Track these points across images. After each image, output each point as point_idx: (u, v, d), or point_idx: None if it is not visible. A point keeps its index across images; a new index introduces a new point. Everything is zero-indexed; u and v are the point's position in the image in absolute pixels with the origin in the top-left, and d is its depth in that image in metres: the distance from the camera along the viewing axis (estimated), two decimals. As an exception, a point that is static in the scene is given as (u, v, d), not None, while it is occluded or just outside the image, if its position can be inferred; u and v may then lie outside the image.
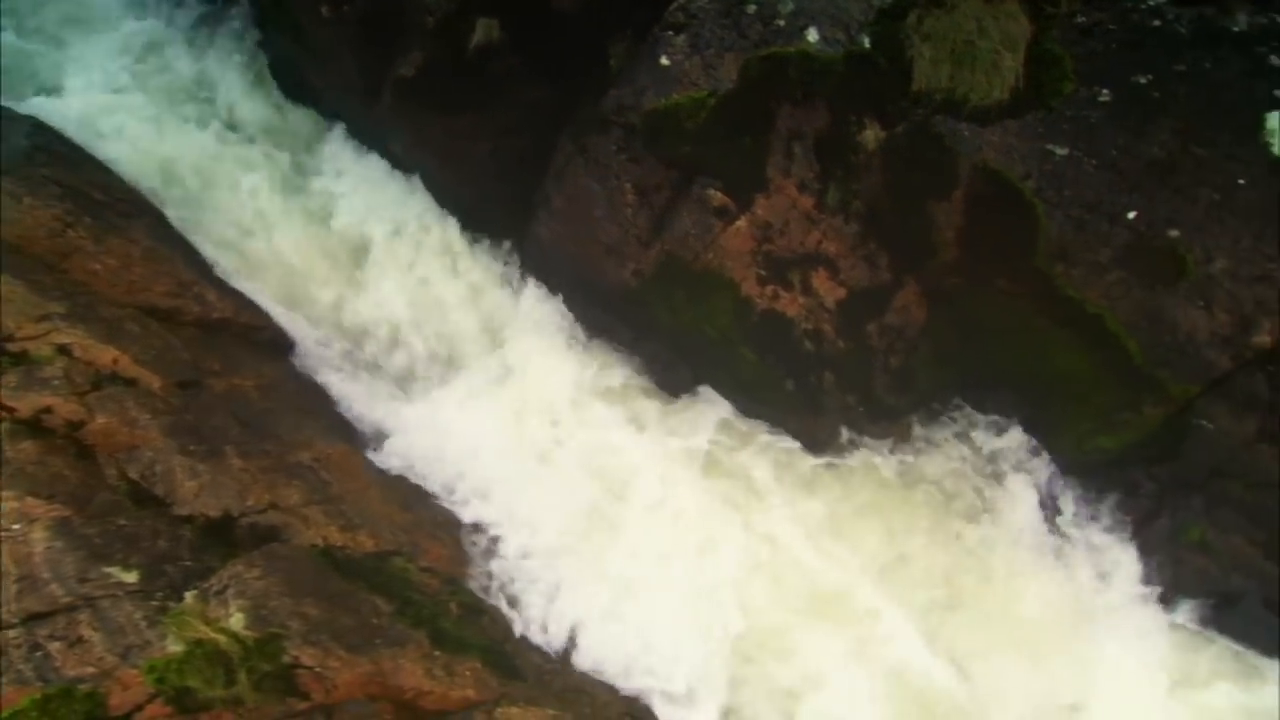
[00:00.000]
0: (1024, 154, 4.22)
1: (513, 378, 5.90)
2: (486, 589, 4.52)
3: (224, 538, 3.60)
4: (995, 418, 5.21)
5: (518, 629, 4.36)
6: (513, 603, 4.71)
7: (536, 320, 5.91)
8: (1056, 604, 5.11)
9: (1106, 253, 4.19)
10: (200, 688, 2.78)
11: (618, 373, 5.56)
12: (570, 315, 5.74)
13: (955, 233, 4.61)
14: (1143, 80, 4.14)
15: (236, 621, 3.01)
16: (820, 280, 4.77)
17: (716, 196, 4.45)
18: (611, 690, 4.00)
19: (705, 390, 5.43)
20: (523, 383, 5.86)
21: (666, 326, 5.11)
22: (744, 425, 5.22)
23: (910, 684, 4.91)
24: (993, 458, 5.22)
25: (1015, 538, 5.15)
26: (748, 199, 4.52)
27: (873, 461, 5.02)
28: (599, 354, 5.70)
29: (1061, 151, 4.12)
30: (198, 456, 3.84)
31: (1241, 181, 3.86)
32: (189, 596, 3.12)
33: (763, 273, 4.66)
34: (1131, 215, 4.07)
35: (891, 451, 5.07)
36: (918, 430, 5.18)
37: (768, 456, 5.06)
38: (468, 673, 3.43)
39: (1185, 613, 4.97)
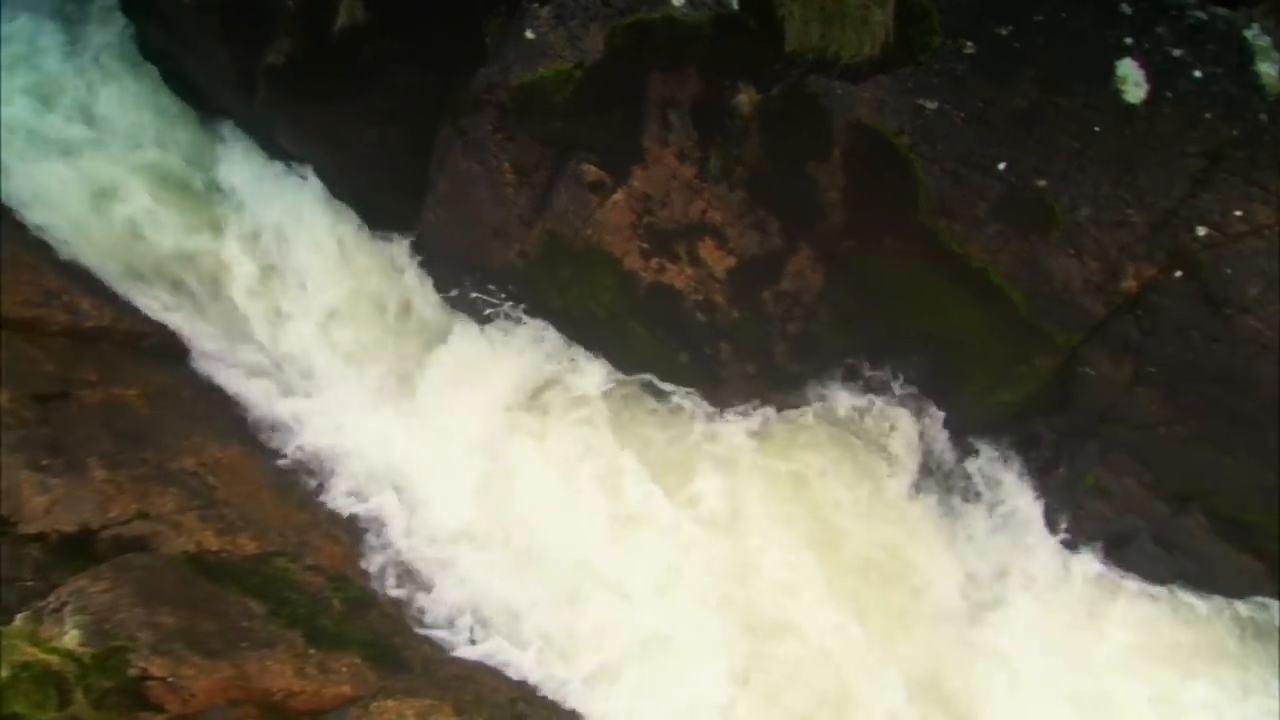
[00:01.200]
0: (896, 109, 4.21)
1: (416, 368, 5.86)
2: (384, 582, 4.49)
3: (82, 553, 3.51)
4: (899, 379, 5.26)
5: (416, 619, 4.33)
6: (411, 593, 4.71)
7: (436, 308, 5.87)
8: (967, 559, 5.23)
9: (983, 205, 4.21)
10: (29, 713, 2.68)
11: (521, 357, 5.53)
12: (471, 301, 5.69)
13: (839, 194, 4.59)
14: (1004, 31, 4.15)
15: (72, 639, 2.91)
16: (708, 250, 4.73)
17: (591, 171, 4.39)
18: (503, 675, 3.99)
19: (606, 367, 5.42)
20: (426, 373, 5.81)
21: (558, 307, 5.07)
22: (646, 400, 5.22)
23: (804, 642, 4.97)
24: (898, 419, 5.29)
25: (922, 498, 5.25)
26: (624, 172, 4.47)
27: (775, 430, 5.02)
28: (500, 340, 5.67)
29: (931, 105, 4.11)
30: (51, 471, 3.73)
31: (1098, 129, 3.90)
32: (18, 619, 3.01)
33: (646, 246, 4.63)
34: (1002, 166, 4.09)
35: (795, 418, 5.09)
36: (822, 396, 5.22)
37: (670, 430, 5.05)
38: (344, 669, 3.40)
39: (1089, 555, 5.13)
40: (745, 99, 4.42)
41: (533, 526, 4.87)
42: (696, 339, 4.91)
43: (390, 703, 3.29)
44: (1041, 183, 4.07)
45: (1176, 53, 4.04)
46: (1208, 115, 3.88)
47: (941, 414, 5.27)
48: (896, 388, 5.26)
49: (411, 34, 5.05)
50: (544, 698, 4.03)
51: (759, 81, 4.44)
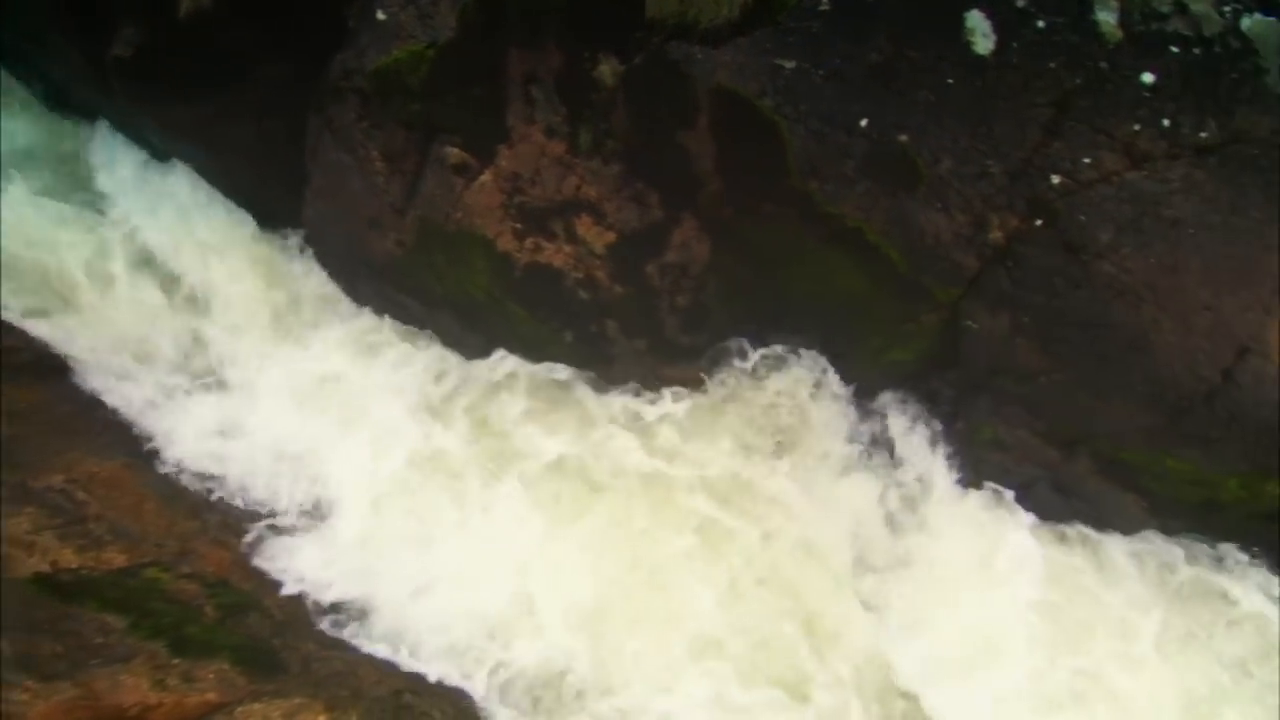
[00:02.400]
0: (756, 71, 4.21)
1: (311, 366, 5.72)
2: (273, 582, 4.40)
3: (-85, 586, 3.33)
4: (794, 345, 5.30)
5: (309, 618, 4.27)
6: (306, 592, 4.67)
7: (328, 305, 5.74)
8: (875, 523, 5.28)
9: (850, 164, 4.23)
10: None
11: (414, 347, 5.44)
12: (360, 295, 5.58)
13: (712, 161, 4.57)
14: (855, -14, 4.12)
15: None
16: (585, 226, 4.68)
17: (454, 154, 4.33)
18: (393, 667, 3.95)
19: (501, 353, 5.35)
20: (323, 369, 5.68)
21: (441, 295, 5.00)
22: (536, 383, 5.17)
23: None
24: (796, 385, 5.32)
25: (827, 463, 5.28)
26: (490, 152, 4.41)
27: (671, 406, 5.01)
28: (392, 332, 5.57)
29: (790, 65, 4.10)
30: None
31: (951, 81, 3.94)
32: None
33: (519, 226, 4.58)
34: (864, 123, 4.11)
35: (691, 392, 5.07)
36: (718, 368, 5.21)
37: (564, 412, 5.01)
38: (210, 676, 3.35)
39: (995, 505, 5.20)
40: (608, 70, 4.36)
41: (431, 524, 4.85)
42: (581, 317, 4.89)
43: (256, 705, 3.25)
44: (903, 137, 4.10)
45: (1020, 3, 4.08)
46: (1052, 65, 3.94)
47: (840, 377, 5.36)
48: (794, 354, 5.33)
49: (270, 20, 4.90)
50: (436, 686, 4.01)
51: (621, 51, 4.39)
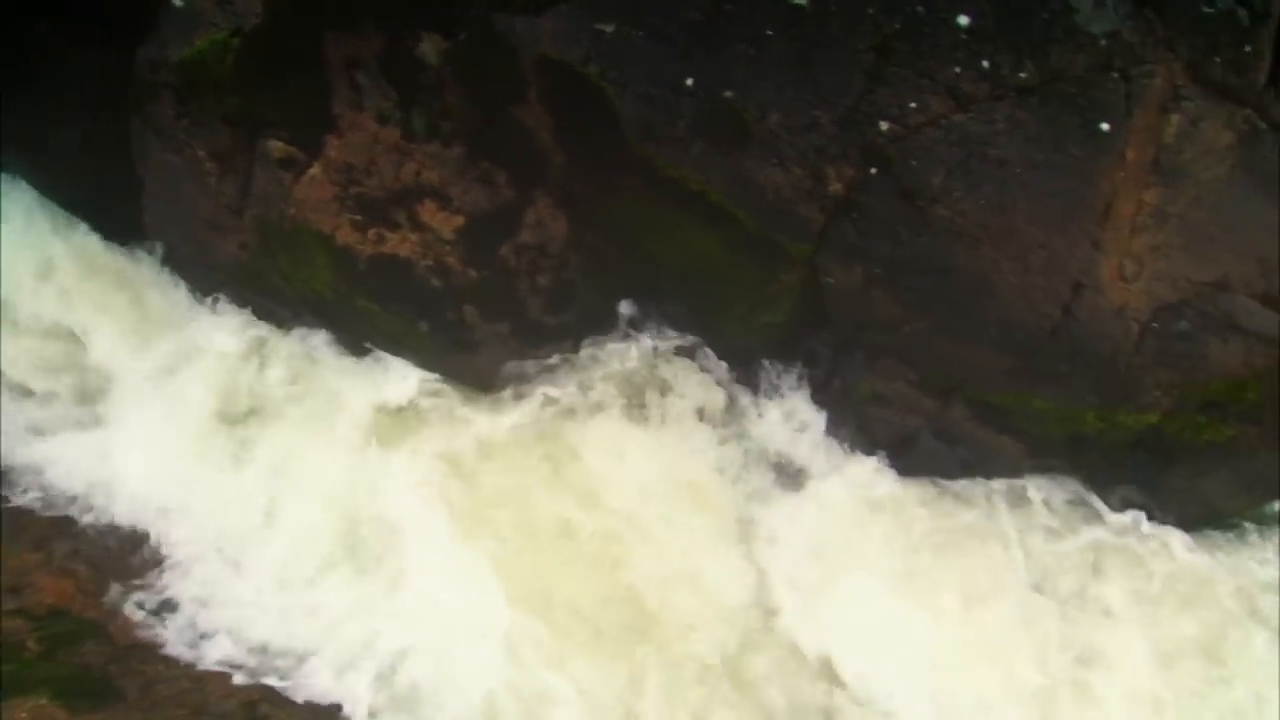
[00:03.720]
0: (578, 37, 4.12)
1: (180, 383, 5.46)
2: (125, 607, 4.18)
3: None
4: (667, 317, 5.23)
5: (157, 639, 4.07)
6: (156, 613, 4.46)
7: (189, 317, 5.46)
8: (757, 490, 5.22)
9: (682, 125, 4.19)
10: None
11: (283, 355, 5.21)
12: (224, 304, 5.33)
13: (551, 135, 4.49)
14: (670, -57, 4.03)
15: None
16: (430, 213, 4.55)
17: (277, 147, 4.18)
18: (236, 683, 3.79)
19: (376, 352, 5.16)
20: (192, 386, 5.41)
21: (293, 296, 4.83)
22: (414, 382, 5.00)
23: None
24: (673, 358, 5.24)
25: (706, 436, 5.21)
26: (317, 143, 4.26)
27: (544, 390, 4.90)
28: (259, 341, 5.32)
29: (610, 28, 4.02)
30: None
31: (770, 33, 3.89)
32: None
33: (358, 218, 4.43)
34: (690, 82, 4.06)
35: (565, 374, 4.97)
36: (590, 346, 5.11)
37: (434, 411, 4.86)
38: (23, 715, 3.10)
39: (882, 463, 5.21)
40: (431, 48, 4.22)
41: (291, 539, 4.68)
42: (435, 306, 4.75)
43: (75, 737, 3.04)
44: (728, 93, 4.05)
45: (833, -50, 4.02)
46: (870, 10, 3.91)
47: (716, 346, 5.31)
48: (668, 326, 5.25)
49: (68, 10, 4.56)
50: (289, 697, 3.86)
51: (443, 28, 4.25)
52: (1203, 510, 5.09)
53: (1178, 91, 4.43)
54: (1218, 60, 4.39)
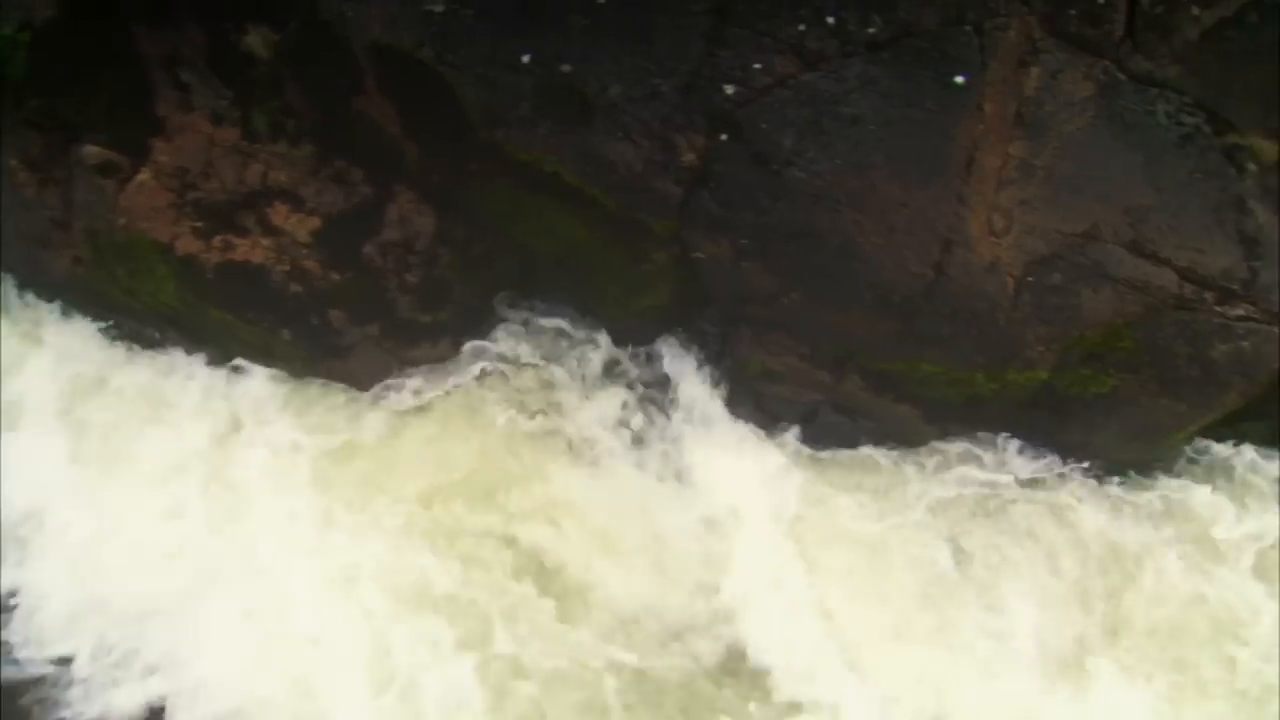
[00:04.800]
0: (409, 21, 3.91)
1: (48, 412, 5.13)
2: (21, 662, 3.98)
3: None
4: (549, 307, 5.05)
5: (47, 691, 3.83)
6: (47, 668, 4.19)
7: (46, 341, 5.15)
8: (659, 482, 5.02)
9: (525, 105, 4.01)
10: None
11: (143, 375, 4.92)
12: (82, 323, 5.01)
13: (398, 126, 4.28)
14: (493, -84, 3.84)
15: None
16: (282, 216, 4.31)
17: (93, 153, 3.92)
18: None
19: (242, 364, 4.89)
20: (66, 419, 5.09)
21: (144, 310, 4.53)
22: (279, 391, 4.74)
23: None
24: (559, 349, 5.06)
25: (601, 425, 5.00)
26: (141, 147, 4.01)
27: (420, 387, 4.67)
28: (124, 361, 5.02)
29: (439, 9, 3.83)
30: None
31: (602, 1, 3.67)
32: None
33: (200, 224, 4.19)
34: (526, 59, 3.86)
35: (442, 371, 4.73)
36: (470, 341, 4.89)
37: (305, 421, 4.61)
38: None
39: (790, 440, 5.05)
40: (258, 41, 3.97)
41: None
42: (296, 312, 4.51)
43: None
44: (566, 68, 3.88)
45: (661, -89, 3.86)
46: (704, -30, 3.73)
47: (605, 333, 5.10)
48: (550, 316, 5.05)
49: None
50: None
51: (269, 19, 4.01)
52: (1104, 462, 5.03)
53: (1035, 44, 4.33)
54: (1073, 13, 4.30)
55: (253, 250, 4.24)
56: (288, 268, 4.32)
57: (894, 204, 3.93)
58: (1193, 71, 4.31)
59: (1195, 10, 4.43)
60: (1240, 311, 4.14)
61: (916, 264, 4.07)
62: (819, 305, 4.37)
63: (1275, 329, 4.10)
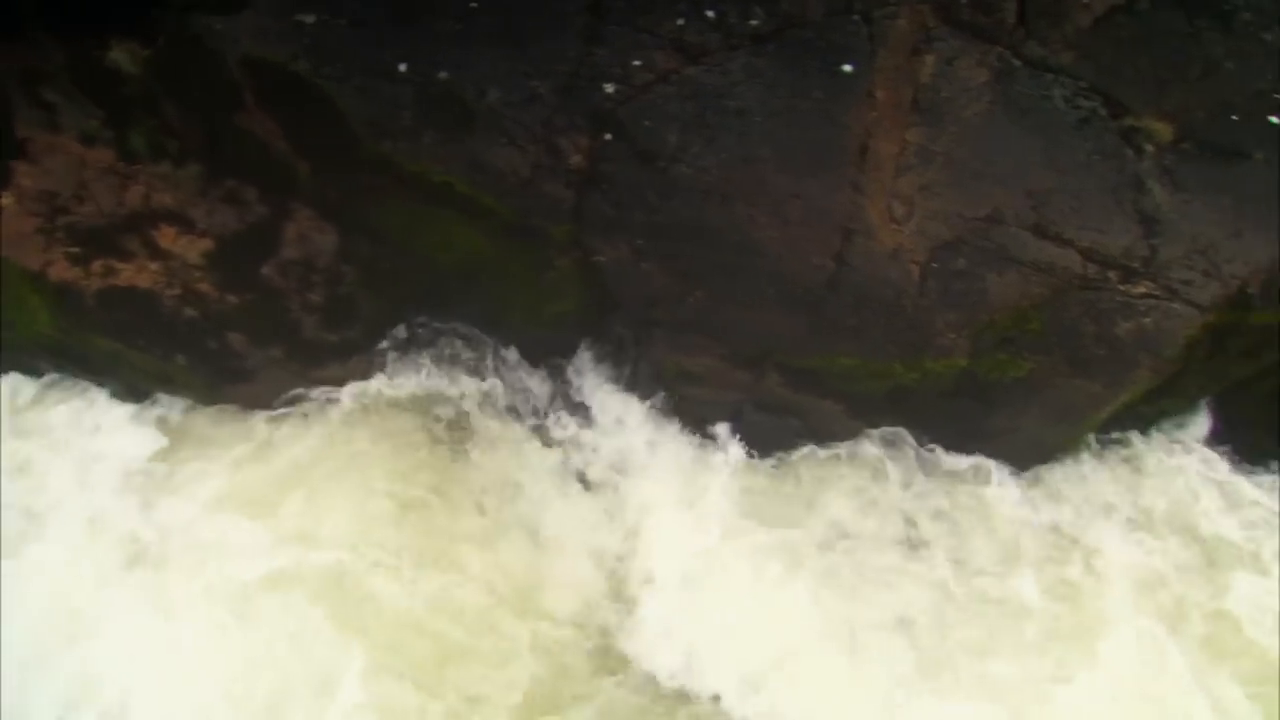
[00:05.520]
0: (280, 33, 3.81)
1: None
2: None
3: None
4: (460, 320, 4.88)
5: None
6: None
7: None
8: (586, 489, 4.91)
9: (407, 115, 3.90)
10: None
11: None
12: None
13: (284, 142, 4.15)
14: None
15: None
16: (170, 238, 4.17)
17: None
18: None
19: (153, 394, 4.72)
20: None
21: (24, 343, 4.31)
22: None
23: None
24: (474, 364, 4.88)
25: (519, 438, 4.87)
26: (2, 171, 3.77)
27: (328, 413, 4.53)
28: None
29: (310, 19, 3.73)
30: None
31: (474, 5, 3.63)
32: None
33: (75, 250, 4.02)
34: (403, 68, 3.76)
35: (351, 392, 4.60)
36: (380, 359, 4.72)
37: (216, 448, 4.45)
38: None
39: (714, 443, 4.92)
40: (126, 57, 3.84)
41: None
42: (192, 337, 4.33)
43: None
44: (443, 74, 3.78)
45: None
46: (577, -31, 3.67)
47: (512, 344, 4.94)
48: (461, 330, 4.88)
49: None
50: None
51: (136, 33, 3.88)
52: (1031, 448, 4.96)
53: (929, 32, 4.29)
54: (965, 1, 4.33)
55: (138, 275, 4.08)
56: (179, 291, 4.16)
57: (786, 195, 3.87)
58: (1087, 57, 4.35)
59: (1086, -1, 4.56)
60: (1142, 289, 4.12)
61: (816, 255, 4.00)
62: (725, 303, 4.28)
63: (1176, 305, 4.11)
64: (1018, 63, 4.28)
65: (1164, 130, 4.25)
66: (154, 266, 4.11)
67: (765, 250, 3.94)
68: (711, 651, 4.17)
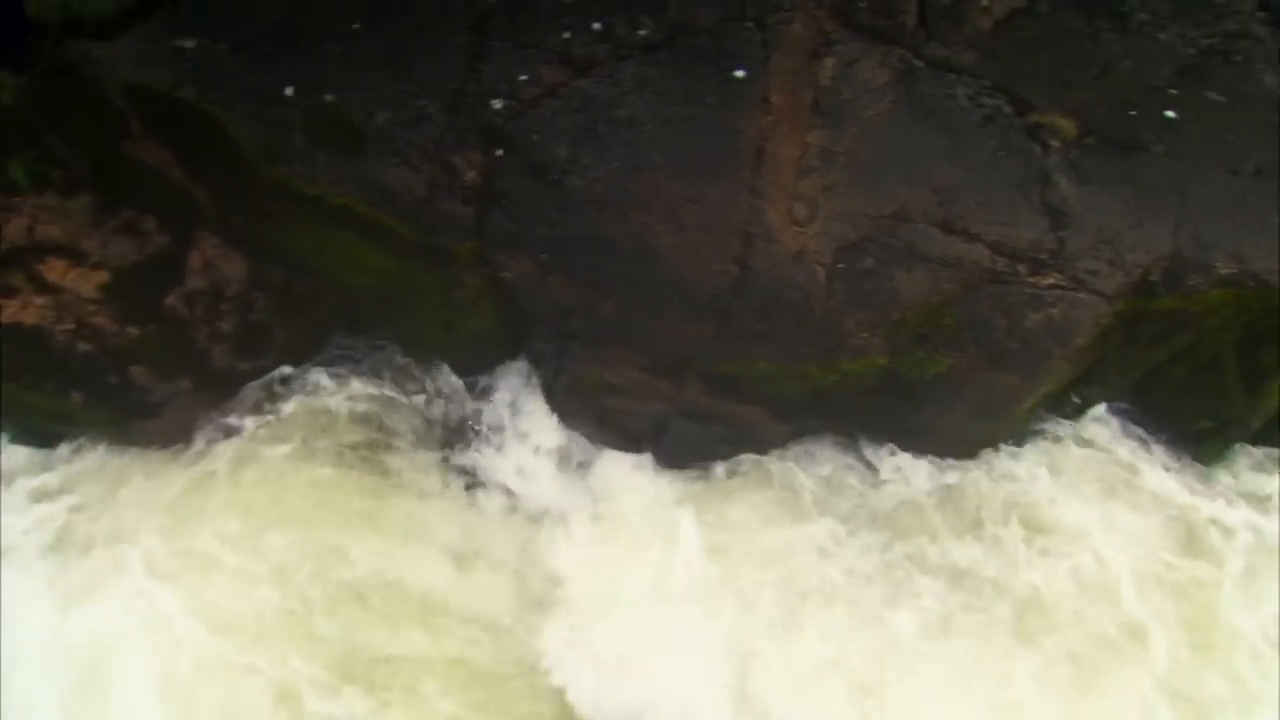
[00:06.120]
0: (161, 59, 3.73)
1: None
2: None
3: None
4: (378, 343, 4.84)
5: None
6: None
7: None
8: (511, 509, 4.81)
9: (298, 138, 3.84)
10: None
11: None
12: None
13: (180, 170, 4.07)
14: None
15: None
16: (58, 272, 4.06)
17: None
18: None
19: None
20: None
21: None
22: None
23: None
24: (390, 383, 4.78)
25: (436, 458, 4.74)
26: None
27: (241, 445, 4.41)
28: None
29: (190, 44, 3.66)
30: None
31: (357, 26, 3.62)
32: None
33: None
34: (289, 91, 3.70)
35: (264, 420, 4.50)
36: (295, 385, 4.62)
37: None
38: None
39: (638, 456, 4.85)
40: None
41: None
42: (89, 373, 4.19)
43: None
44: (329, 97, 3.71)
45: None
46: (456, -14, 3.65)
47: (438, 363, 4.89)
48: (379, 352, 4.83)
49: None
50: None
51: (10, 61, 3.78)
52: (961, 443, 4.95)
53: (828, 36, 4.28)
54: (863, 5, 4.30)
55: (24, 310, 3.94)
56: (72, 326, 4.04)
57: (681, 202, 3.82)
58: (989, 57, 4.40)
59: (985, 1, 4.56)
60: (1050, 280, 4.11)
61: (717, 261, 3.94)
62: (635, 313, 4.20)
63: (1082, 294, 4.10)
64: (920, 64, 4.31)
65: (1068, 126, 4.29)
66: (41, 301, 3.98)
67: (665, 258, 3.87)
68: (620, 667, 4.10)
